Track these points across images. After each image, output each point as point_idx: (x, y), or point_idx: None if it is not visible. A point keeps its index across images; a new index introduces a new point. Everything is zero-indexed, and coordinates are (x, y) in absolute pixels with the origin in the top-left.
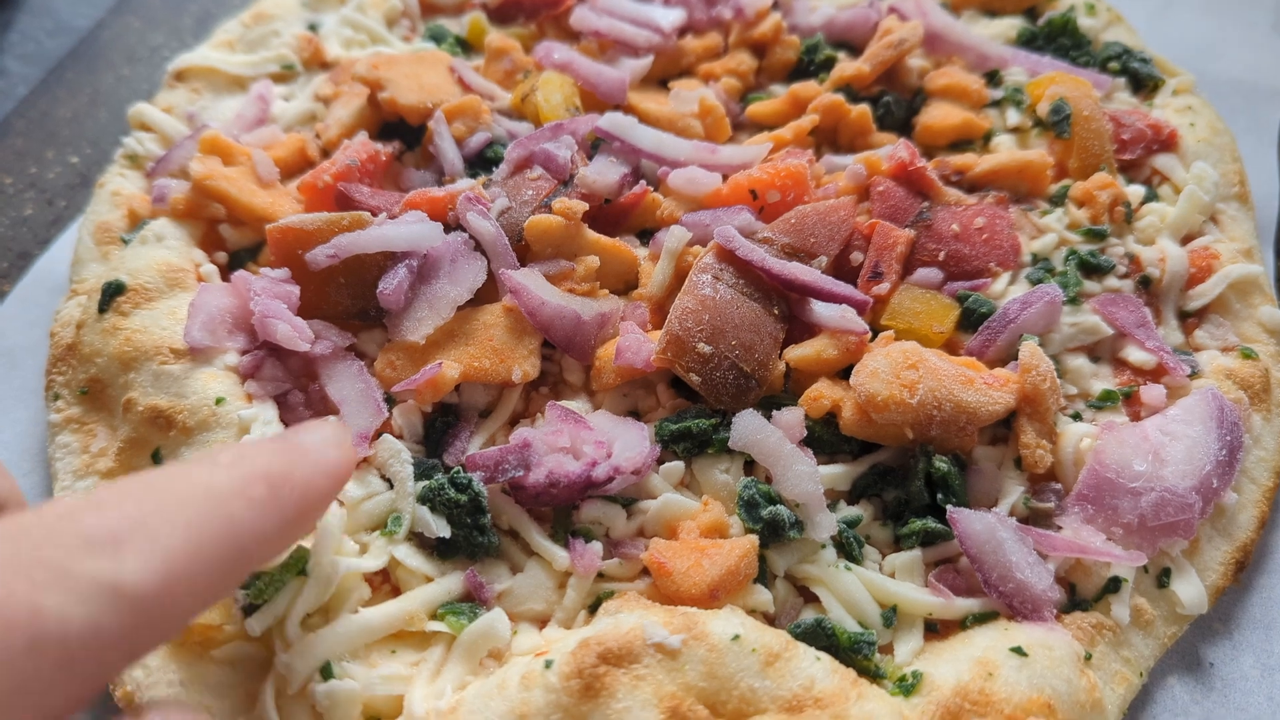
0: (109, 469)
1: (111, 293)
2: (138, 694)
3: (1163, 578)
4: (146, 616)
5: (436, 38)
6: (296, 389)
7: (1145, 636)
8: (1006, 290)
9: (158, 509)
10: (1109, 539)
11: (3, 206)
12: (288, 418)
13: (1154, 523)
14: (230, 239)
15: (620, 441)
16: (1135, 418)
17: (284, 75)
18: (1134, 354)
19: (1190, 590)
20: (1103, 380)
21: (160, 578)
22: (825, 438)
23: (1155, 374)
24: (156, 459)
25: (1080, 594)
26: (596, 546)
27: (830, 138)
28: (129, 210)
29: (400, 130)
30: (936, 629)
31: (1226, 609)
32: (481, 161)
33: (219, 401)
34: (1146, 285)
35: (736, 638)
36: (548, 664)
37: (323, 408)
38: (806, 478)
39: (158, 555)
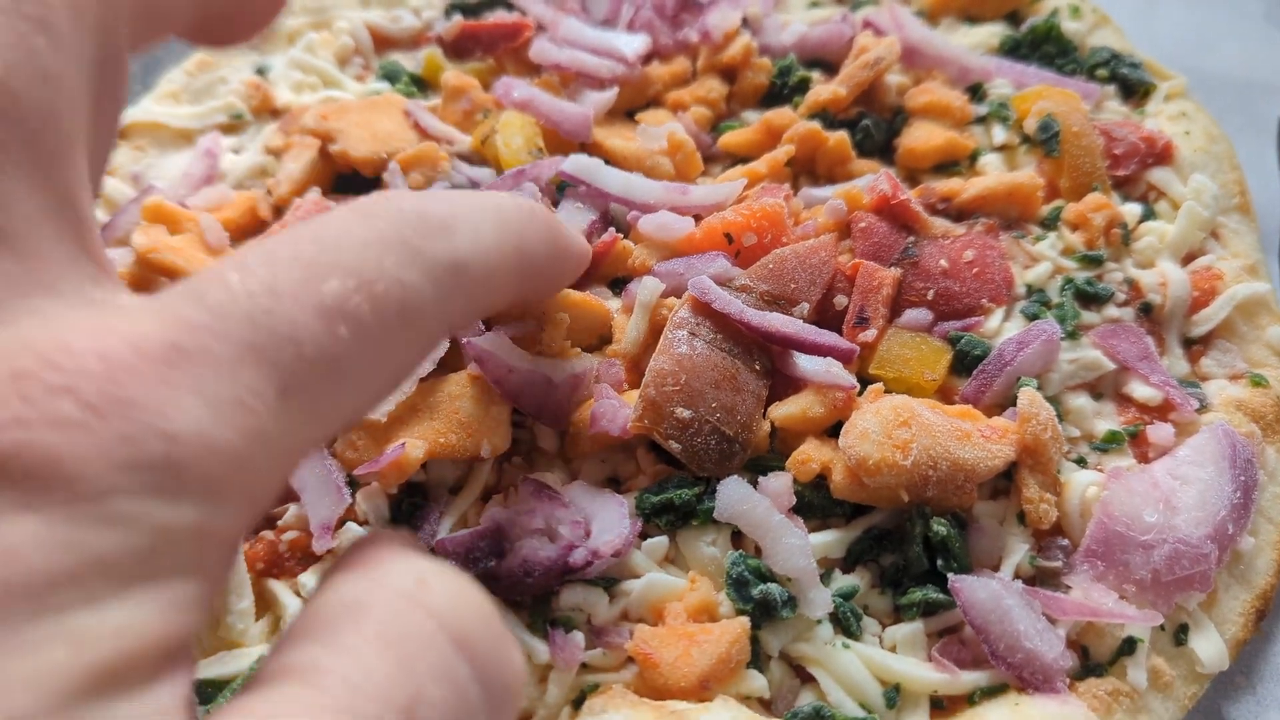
0: None
1: None
2: None
3: (1180, 634)
4: (469, 294)
5: (391, 77)
6: None
7: (1165, 699)
8: (1001, 328)
9: (473, 209)
10: (1121, 597)
11: None
12: None
13: (1168, 577)
14: None
15: (598, 520)
16: (1143, 459)
17: (233, 126)
18: (1138, 389)
19: (1210, 647)
20: (1106, 419)
21: (483, 262)
22: (815, 502)
23: (1162, 410)
24: None
25: (1093, 658)
26: (578, 637)
27: (808, 167)
28: None
29: (355, 183)
30: (943, 706)
31: (1248, 661)
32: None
33: None
34: (1148, 312)
35: None
36: None
37: (282, 495)
38: (798, 552)
39: (480, 243)
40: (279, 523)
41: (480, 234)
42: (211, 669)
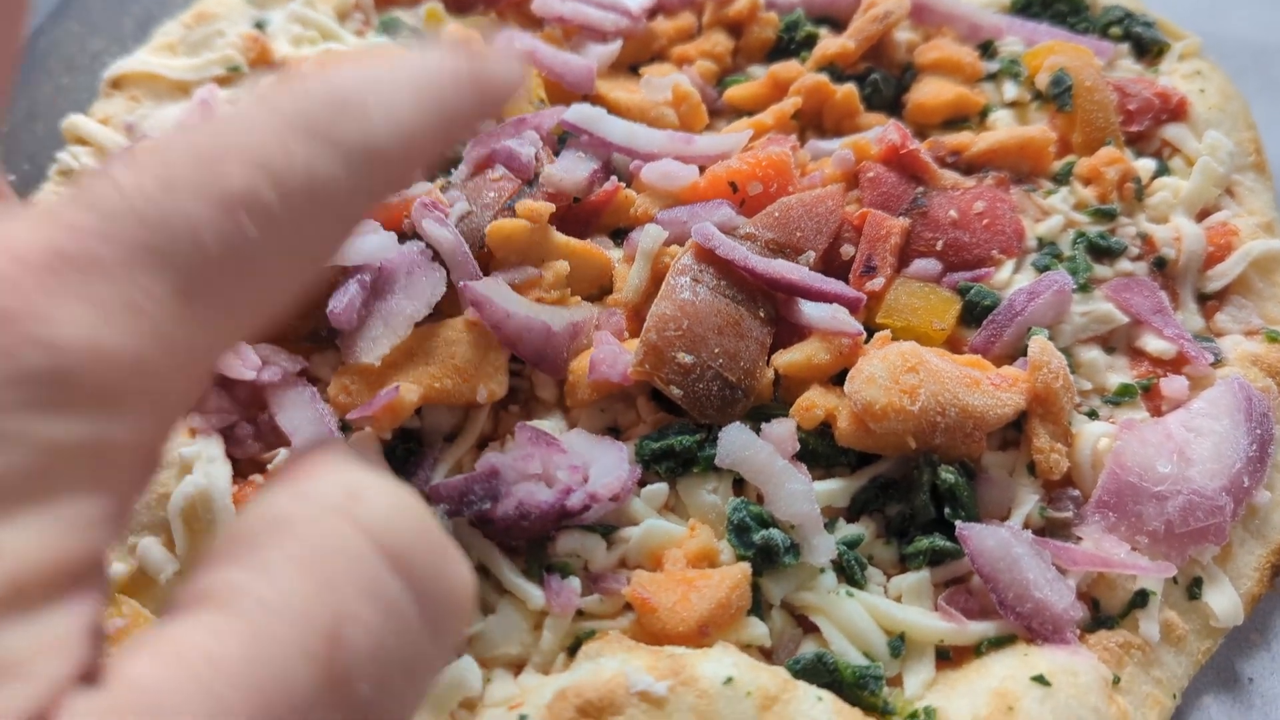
0: None
1: None
2: None
3: (1194, 588)
4: (387, 173)
5: (390, 31)
6: (244, 420)
7: (1177, 654)
8: (1011, 279)
9: (388, 83)
10: (1134, 549)
11: None
12: (235, 451)
13: (1182, 529)
14: None
15: (597, 465)
16: (1156, 412)
17: (229, 78)
18: (1152, 343)
19: (1224, 600)
20: (1119, 373)
21: (400, 138)
22: (820, 450)
23: (1176, 364)
24: None
25: (1104, 610)
26: (574, 582)
27: (815, 121)
28: None
29: None
30: (949, 656)
31: (1264, 618)
32: (439, 164)
33: None
34: (1162, 267)
35: (729, 680)
36: (522, 719)
37: (273, 439)
38: (801, 497)
39: (397, 119)
40: (269, 466)
41: (396, 109)
42: None
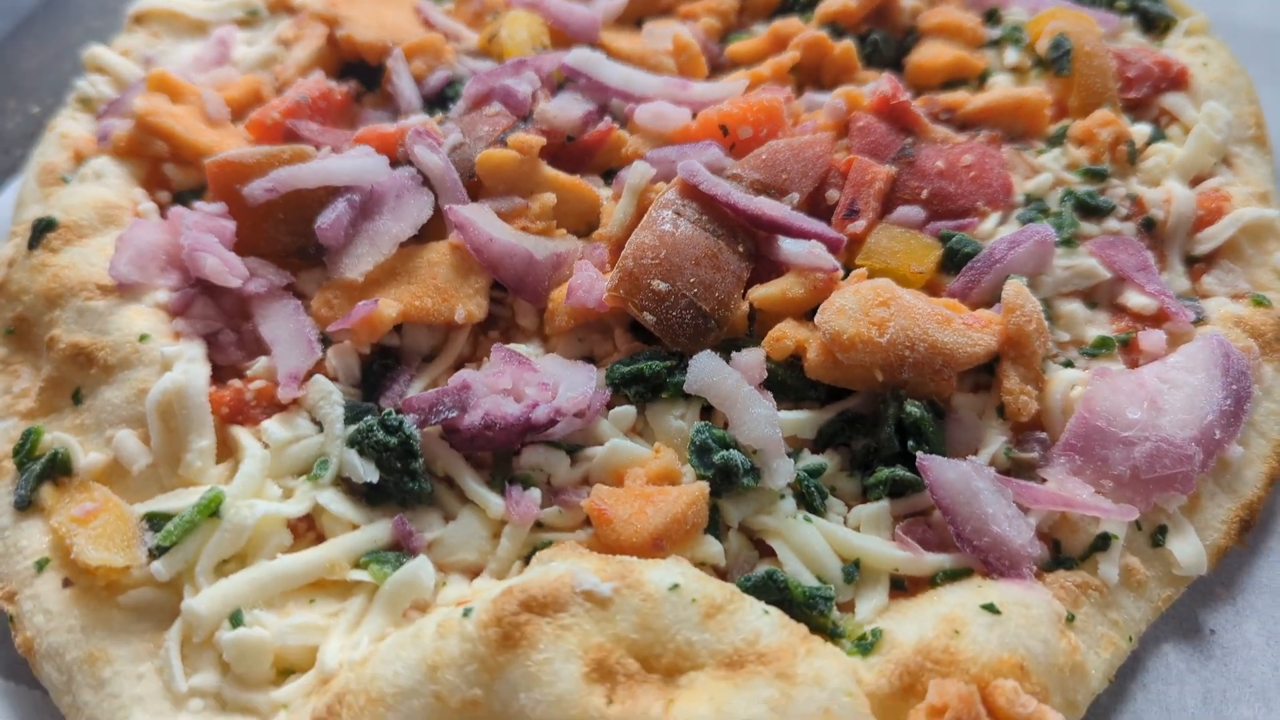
0: (29, 409)
1: (42, 229)
2: (38, 640)
3: (1157, 536)
4: None
5: None
6: (229, 328)
7: (1137, 598)
8: (995, 231)
9: None
10: (1098, 492)
11: None
12: (218, 357)
13: (1148, 475)
14: (175, 179)
15: (566, 384)
16: (1133, 366)
17: (248, 20)
18: (1134, 299)
19: (1188, 549)
20: (1099, 328)
21: None
22: (790, 383)
23: (1156, 320)
24: (77, 399)
25: (1065, 551)
26: (535, 494)
27: (813, 76)
28: (75, 151)
29: (360, 71)
30: (904, 586)
31: (1230, 573)
32: (441, 101)
33: (142, 338)
34: (1150, 228)
35: (675, 587)
36: (466, 612)
37: (255, 348)
38: (764, 421)
39: None
40: (248, 373)
41: None
42: (163, 503)
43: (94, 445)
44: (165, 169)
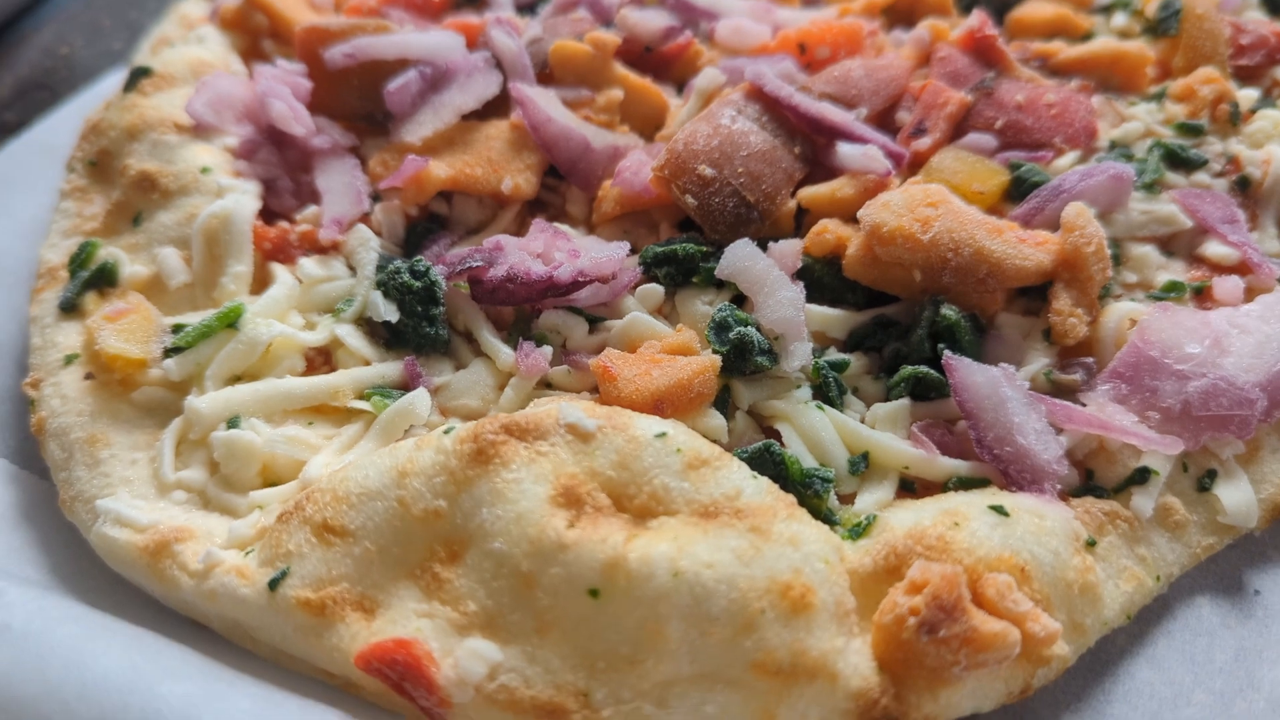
0: (93, 229)
1: (138, 75)
2: (49, 420)
3: (1205, 480)
4: None
5: None
6: (288, 177)
7: (1172, 540)
8: (1071, 169)
9: None
10: (1142, 422)
11: (97, 41)
12: (272, 202)
13: (1201, 411)
14: (271, 54)
15: (595, 252)
16: None
17: None
18: (1214, 248)
19: (1238, 497)
20: (1172, 274)
21: None
22: (828, 282)
23: (1237, 271)
24: (137, 222)
25: (1099, 480)
26: (546, 350)
27: (906, 18)
28: (188, 25)
29: None
30: (914, 489)
31: None
32: (532, 9)
33: (204, 170)
34: (1244, 187)
35: (662, 435)
36: (447, 430)
37: (310, 199)
38: (788, 304)
39: None
40: (296, 217)
41: None
42: (188, 316)
43: (141, 261)
44: (263, 44)
